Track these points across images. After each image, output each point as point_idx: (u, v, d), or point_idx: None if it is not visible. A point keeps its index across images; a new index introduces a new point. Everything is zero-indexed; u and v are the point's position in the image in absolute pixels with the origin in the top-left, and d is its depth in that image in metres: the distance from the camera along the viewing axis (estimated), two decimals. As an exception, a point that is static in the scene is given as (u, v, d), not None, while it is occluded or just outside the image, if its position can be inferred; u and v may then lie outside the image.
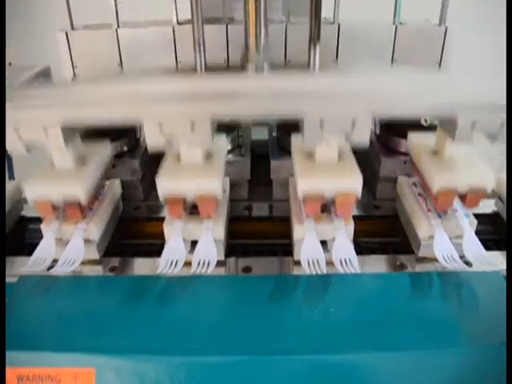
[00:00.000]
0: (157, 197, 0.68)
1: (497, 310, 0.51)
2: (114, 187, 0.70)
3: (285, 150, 0.72)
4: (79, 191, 0.57)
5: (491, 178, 0.56)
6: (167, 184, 0.57)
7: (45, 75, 1.10)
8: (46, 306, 0.57)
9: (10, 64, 1.12)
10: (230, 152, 0.73)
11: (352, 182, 0.55)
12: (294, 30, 0.76)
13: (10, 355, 0.51)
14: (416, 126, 0.68)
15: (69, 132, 0.57)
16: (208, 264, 0.57)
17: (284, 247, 0.65)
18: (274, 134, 0.77)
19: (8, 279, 0.61)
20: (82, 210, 0.60)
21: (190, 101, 0.52)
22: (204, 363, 0.50)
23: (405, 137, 0.69)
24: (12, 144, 0.57)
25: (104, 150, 0.67)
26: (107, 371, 0.50)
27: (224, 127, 0.67)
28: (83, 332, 0.53)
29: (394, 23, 0.75)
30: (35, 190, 0.58)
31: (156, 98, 0.52)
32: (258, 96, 0.51)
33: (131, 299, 0.57)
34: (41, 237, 0.67)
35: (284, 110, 0.52)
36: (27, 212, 0.74)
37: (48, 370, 0.51)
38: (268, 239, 0.69)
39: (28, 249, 0.66)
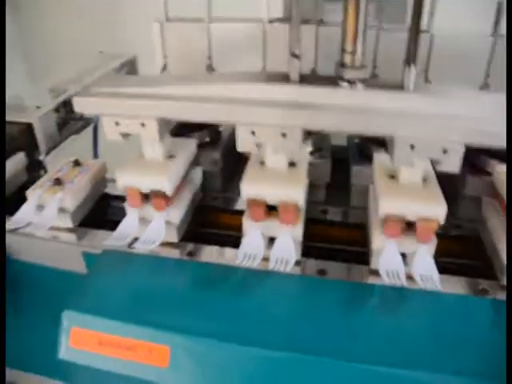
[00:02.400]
0: (234, 189, 0.70)
1: None
2: (196, 175, 0.72)
3: (365, 156, 0.72)
4: (166, 184, 0.61)
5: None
6: (251, 188, 0.59)
7: (131, 65, 1.16)
8: (125, 279, 0.60)
9: (100, 52, 1.18)
10: (311, 154, 0.73)
11: (436, 209, 0.54)
12: (386, 36, 0.75)
13: (93, 320, 0.54)
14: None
15: (163, 126, 0.61)
16: (286, 262, 0.57)
17: (358, 255, 0.65)
18: (356, 140, 0.76)
19: (91, 250, 0.65)
20: (167, 201, 0.63)
21: (284, 109, 0.54)
22: (271, 357, 0.50)
23: (493, 156, 0.67)
24: (110, 134, 0.61)
25: (191, 146, 0.70)
26: (181, 351, 0.52)
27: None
28: (161, 310, 0.55)
29: (491, 35, 0.72)
30: (126, 179, 0.62)
31: (251, 103, 0.55)
32: (353, 111, 0.52)
33: (207, 285, 0.58)
34: (122, 214, 0.71)
35: (378, 129, 0.53)
36: (111, 190, 0.78)
37: (126, 340, 0.53)
38: (342, 244, 0.69)
39: (109, 224, 0.70)
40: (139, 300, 0.57)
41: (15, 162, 0.80)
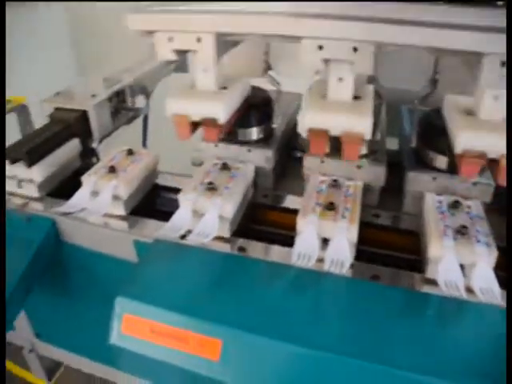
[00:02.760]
0: (285, 187, 0.69)
1: None
2: (248, 171, 0.72)
3: (421, 163, 0.70)
4: (219, 111, 0.59)
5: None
6: (314, 117, 0.56)
7: (182, 57, 1.16)
8: (178, 270, 0.60)
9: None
10: (364, 157, 0.72)
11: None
12: None
13: (146, 308, 0.55)
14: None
15: (220, 44, 0.58)
16: (341, 264, 0.57)
17: (411, 262, 0.64)
18: (413, 144, 0.75)
19: (142, 239, 0.66)
20: (220, 131, 0.61)
21: (356, 22, 0.49)
22: (320, 357, 0.49)
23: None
24: (162, 51, 0.59)
25: (245, 81, 0.68)
26: (233, 345, 0.52)
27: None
28: (213, 303, 0.55)
29: None
30: (176, 105, 0.60)
31: (317, 15, 0.50)
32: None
33: (259, 281, 0.58)
34: (172, 206, 0.71)
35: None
36: (161, 181, 0.79)
37: (178, 330, 0.53)
38: (393, 250, 0.67)
39: (159, 215, 0.71)
40: (192, 292, 0.57)
41: (70, 148, 0.81)
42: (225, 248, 0.64)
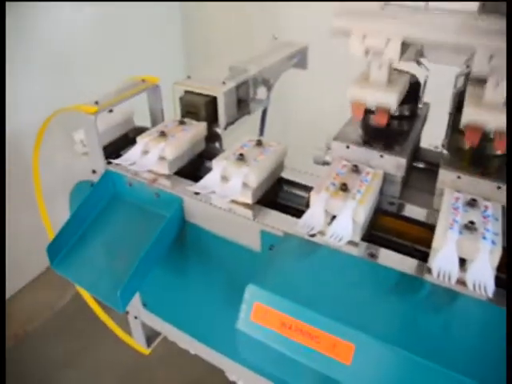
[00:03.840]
0: (409, 197, 0.73)
1: None
2: (378, 177, 0.70)
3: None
4: (392, 100, 0.68)
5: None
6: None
7: (303, 54, 1.16)
8: (308, 267, 0.60)
9: (275, 38, 1.20)
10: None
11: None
12: None
13: (279, 300, 0.55)
14: None
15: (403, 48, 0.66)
16: (484, 288, 0.54)
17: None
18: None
19: (270, 230, 0.66)
20: (389, 117, 0.72)
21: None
22: (452, 377, 0.47)
23: None
24: (354, 48, 0.68)
25: (405, 77, 0.75)
26: (366, 352, 0.51)
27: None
28: (347, 306, 0.54)
29: None
30: (355, 92, 0.70)
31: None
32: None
33: (392, 291, 0.57)
34: (295, 200, 0.72)
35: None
36: (287, 174, 0.79)
37: (311, 328, 0.53)
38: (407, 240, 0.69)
39: (280, 207, 0.71)
40: (325, 292, 0.56)
41: (198, 131, 0.84)
42: (354, 252, 0.63)
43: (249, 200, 0.70)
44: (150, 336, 1.00)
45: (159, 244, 0.72)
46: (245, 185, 0.70)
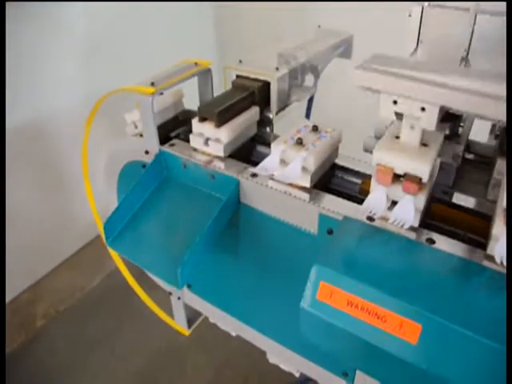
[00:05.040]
0: (461, 186, 0.73)
1: None
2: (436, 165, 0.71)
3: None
4: (424, 170, 0.61)
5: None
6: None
7: (348, 43, 1.17)
8: (370, 250, 0.61)
9: (319, 26, 1.20)
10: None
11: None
12: None
13: (345, 279, 0.56)
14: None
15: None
16: None
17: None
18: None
19: (331, 214, 0.67)
20: (420, 187, 0.63)
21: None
22: None
23: None
24: (384, 111, 0.62)
25: (439, 138, 0.68)
26: (432, 332, 0.52)
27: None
28: (411, 288, 0.55)
29: None
30: (383, 156, 0.63)
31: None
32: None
33: (452, 276, 0.58)
34: (347, 186, 0.75)
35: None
36: (340, 161, 0.80)
37: (377, 307, 0.54)
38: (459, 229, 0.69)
39: (333, 192, 0.72)
40: (389, 273, 0.57)
41: (251, 115, 0.85)
42: (412, 236, 0.63)
43: (307, 184, 0.71)
44: (191, 318, 1.02)
45: (216, 224, 0.73)
46: (303, 168, 0.71)
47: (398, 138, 0.65)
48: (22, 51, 1.57)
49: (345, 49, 1.12)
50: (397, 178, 0.64)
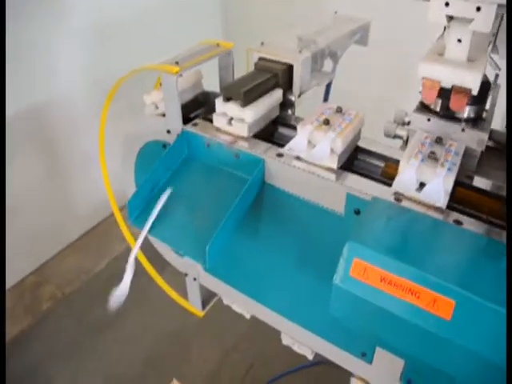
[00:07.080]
0: (486, 171, 0.73)
1: None
2: (461, 149, 0.71)
3: None
4: (475, 79, 0.61)
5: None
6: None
7: (364, 30, 1.16)
8: (400, 228, 0.62)
9: (335, 12, 1.20)
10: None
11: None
12: None
13: (378, 256, 0.57)
14: None
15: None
16: None
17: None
18: None
19: (359, 194, 0.68)
20: (467, 100, 0.63)
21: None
22: None
23: None
24: (434, 15, 0.60)
25: (484, 55, 0.67)
26: (465, 310, 0.53)
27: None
28: (445, 264, 0.56)
29: None
30: (429, 69, 0.63)
31: None
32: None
33: (482, 255, 0.59)
34: (370, 170, 0.75)
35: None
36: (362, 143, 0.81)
37: (411, 283, 0.55)
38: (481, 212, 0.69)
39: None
40: (421, 251, 0.58)
41: (275, 97, 0.85)
42: (439, 217, 0.64)
43: (334, 165, 0.72)
44: (204, 299, 1.02)
45: (242, 203, 0.73)
46: (331, 150, 0.72)
47: (441, 55, 0.64)
48: (31, 38, 1.56)
49: (361, 35, 1.12)
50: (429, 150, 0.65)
